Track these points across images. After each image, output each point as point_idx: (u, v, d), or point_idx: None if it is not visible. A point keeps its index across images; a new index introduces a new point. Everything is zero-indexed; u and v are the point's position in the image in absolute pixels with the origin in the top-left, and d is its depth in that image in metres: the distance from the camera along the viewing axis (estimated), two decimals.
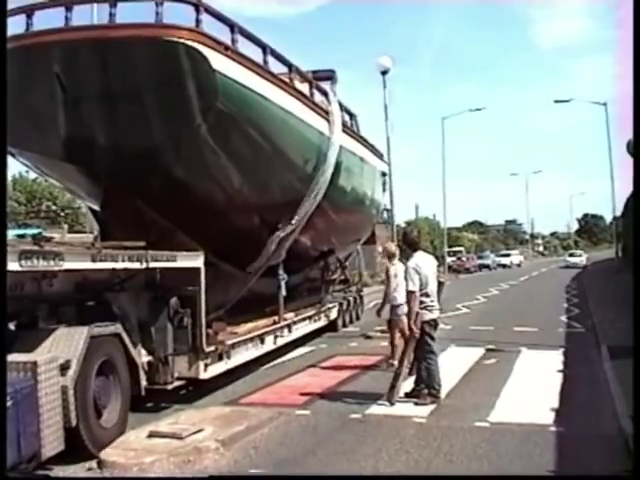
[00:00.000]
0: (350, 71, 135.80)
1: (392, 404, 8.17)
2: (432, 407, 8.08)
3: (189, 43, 7.54)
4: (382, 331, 14.56)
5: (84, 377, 6.29)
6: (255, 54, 8.99)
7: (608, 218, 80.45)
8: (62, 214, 29.33)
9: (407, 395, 8.43)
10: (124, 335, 7.20)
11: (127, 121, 8.06)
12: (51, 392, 5.77)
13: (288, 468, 6.11)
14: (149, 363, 8.15)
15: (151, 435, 6.82)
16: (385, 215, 21.79)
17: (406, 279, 8.31)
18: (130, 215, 8.88)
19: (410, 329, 8.27)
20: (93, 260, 6.63)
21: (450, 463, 6.14)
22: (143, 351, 8.13)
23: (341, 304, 15.78)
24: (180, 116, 8.04)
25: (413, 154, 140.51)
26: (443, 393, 8.41)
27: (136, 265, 7.36)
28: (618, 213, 40.79)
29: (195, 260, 8.57)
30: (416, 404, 8.15)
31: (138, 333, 8.08)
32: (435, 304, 8.38)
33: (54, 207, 31.05)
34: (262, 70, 8.93)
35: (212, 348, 8.80)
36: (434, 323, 8.36)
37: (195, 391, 8.88)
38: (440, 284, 8.76)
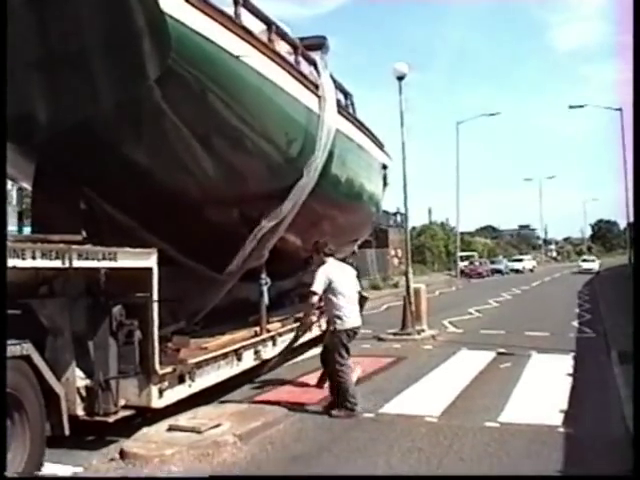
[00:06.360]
0: (365, 75, 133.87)
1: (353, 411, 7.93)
2: (443, 407, 8.23)
3: None
4: (394, 334, 15.00)
5: None
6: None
7: (622, 224, 79.49)
8: None
9: (325, 408, 8.16)
10: (36, 358, 5.49)
11: (57, 79, 6.35)
12: None
13: (304, 462, 6.33)
14: (87, 388, 6.49)
15: (171, 429, 6.94)
16: (398, 219, 20.89)
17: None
18: (70, 204, 7.22)
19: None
20: None
21: (461, 461, 6.30)
22: (80, 373, 6.47)
23: None
24: (124, 73, 6.32)
25: (427, 158, 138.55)
26: (454, 394, 8.57)
27: (55, 263, 5.64)
28: (632, 219, 39.85)
29: (145, 259, 6.77)
30: (331, 416, 7.91)
31: (72, 351, 6.41)
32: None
33: None
34: (231, 23, 7.08)
35: (169, 369, 7.10)
36: (352, 334, 8.27)
37: (212, 390, 8.27)
38: (363, 298, 8.84)
